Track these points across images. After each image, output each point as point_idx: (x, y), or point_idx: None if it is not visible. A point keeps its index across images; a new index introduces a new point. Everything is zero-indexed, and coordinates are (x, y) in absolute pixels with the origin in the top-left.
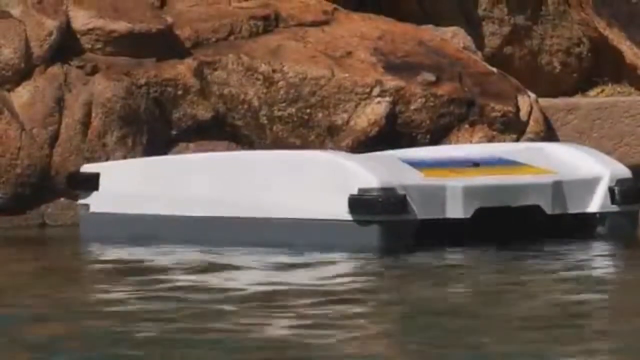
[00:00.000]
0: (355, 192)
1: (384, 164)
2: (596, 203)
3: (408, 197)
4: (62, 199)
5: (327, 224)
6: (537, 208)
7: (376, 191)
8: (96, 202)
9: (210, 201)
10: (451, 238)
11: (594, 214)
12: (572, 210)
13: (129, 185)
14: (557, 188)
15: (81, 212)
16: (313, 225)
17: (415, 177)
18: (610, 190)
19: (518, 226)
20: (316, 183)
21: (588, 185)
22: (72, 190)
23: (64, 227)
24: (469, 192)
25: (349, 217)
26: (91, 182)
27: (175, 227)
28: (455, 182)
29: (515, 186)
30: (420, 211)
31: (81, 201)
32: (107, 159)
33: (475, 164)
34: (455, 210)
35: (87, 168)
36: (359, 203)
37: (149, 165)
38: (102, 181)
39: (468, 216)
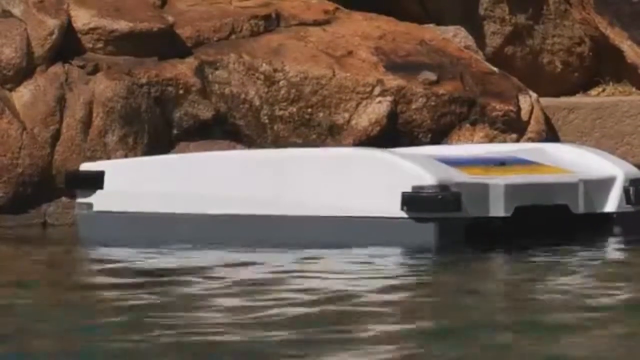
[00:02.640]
0: (409, 189)
1: (431, 162)
2: (613, 203)
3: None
4: (63, 199)
5: (378, 222)
6: (565, 207)
7: (433, 189)
8: (101, 201)
9: (248, 199)
10: (492, 237)
11: (612, 213)
12: (593, 210)
13: (144, 183)
14: (582, 188)
15: (81, 211)
16: (364, 223)
17: (461, 175)
18: (625, 190)
19: (548, 226)
20: (366, 180)
21: (605, 185)
22: (72, 189)
23: (66, 226)
24: (510, 191)
25: (402, 214)
26: (95, 181)
27: (200, 226)
28: (497, 180)
29: (550, 185)
30: (470, 209)
31: (81, 200)
32: (108, 159)
33: (501, 163)
34: (498, 208)
35: (88, 167)
36: (415, 200)
37: (169, 163)
38: (108, 179)
39: (509, 214)
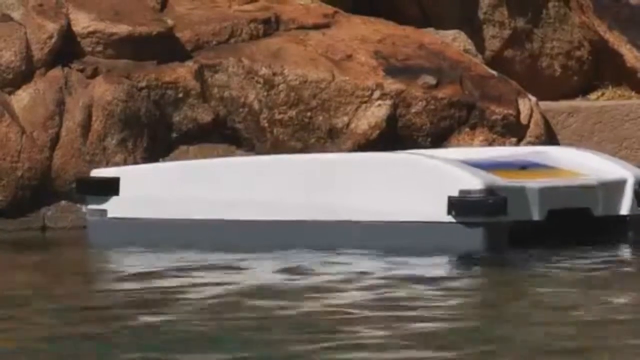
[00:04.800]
0: (455, 193)
1: (468, 166)
2: (626, 206)
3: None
4: (62, 202)
5: (424, 226)
6: (588, 210)
7: (481, 193)
8: (116, 207)
9: (278, 205)
10: (527, 240)
11: (626, 216)
12: (610, 212)
13: (164, 189)
14: (601, 190)
15: (93, 218)
16: (409, 227)
17: (499, 179)
18: (636, 193)
19: (573, 229)
20: (410, 185)
21: (618, 187)
22: (83, 194)
23: (65, 230)
24: (544, 194)
25: (448, 219)
26: (110, 187)
27: (228, 232)
28: (532, 184)
29: (576, 188)
30: (512, 213)
31: (94, 206)
32: (107, 162)
33: (522, 167)
34: (534, 212)
35: (101, 172)
36: (462, 205)
37: (191, 169)
38: (124, 185)
39: (543, 218)
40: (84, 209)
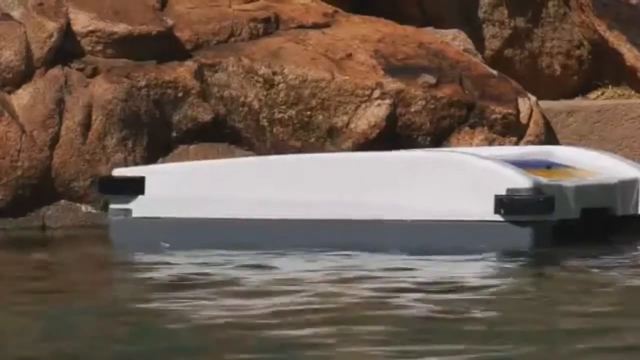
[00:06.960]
0: (502, 192)
1: (509, 164)
2: None
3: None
4: (62, 201)
5: (470, 225)
6: (611, 209)
7: (529, 192)
8: (142, 207)
9: (337, 204)
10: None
11: None
12: (627, 212)
13: (191, 188)
14: (621, 190)
15: (117, 218)
16: (455, 226)
17: (542, 178)
18: None
19: (596, 228)
20: (456, 183)
21: (631, 186)
22: (106, 194)
23: (64, 229)
24: (578, 193)
25: (496, 217)
26: (135, 186)
27: (266, 231)
28: (567, 182)
29: (602, 187)
30: (557, 211)
31: (117, 206)
32: (107, 161)
33: (547, 166)
34: (571, 210)
35: (124, 172)
36: (511, 203)
37: (223, 168)
38: (150, 185)
39: (578, 217)
40: (83, 208)
